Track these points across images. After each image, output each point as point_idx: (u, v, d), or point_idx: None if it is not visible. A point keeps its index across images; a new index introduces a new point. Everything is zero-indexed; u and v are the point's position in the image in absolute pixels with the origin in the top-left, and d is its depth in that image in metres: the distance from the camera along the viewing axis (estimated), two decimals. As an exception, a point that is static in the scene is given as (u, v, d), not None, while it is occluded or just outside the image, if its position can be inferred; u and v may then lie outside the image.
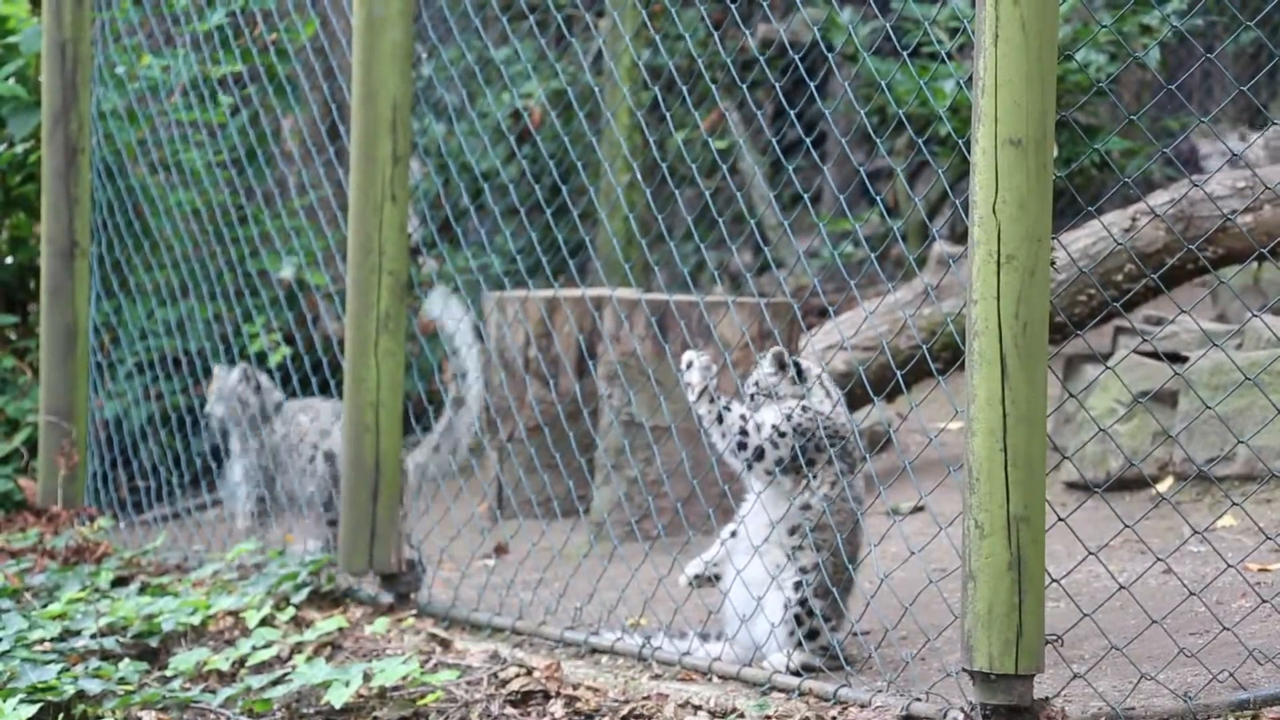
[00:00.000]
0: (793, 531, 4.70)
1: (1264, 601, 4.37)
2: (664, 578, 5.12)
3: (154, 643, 5.70)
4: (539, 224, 8.34)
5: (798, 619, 4.65)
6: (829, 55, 4.73)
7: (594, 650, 5.11)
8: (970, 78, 3.91)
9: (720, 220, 5.20)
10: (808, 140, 4.56)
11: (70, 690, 5.22)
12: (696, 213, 8.91)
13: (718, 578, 4.86)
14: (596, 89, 5.87)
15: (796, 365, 4.80)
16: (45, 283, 7.36)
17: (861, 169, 4.81)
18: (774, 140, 4.59)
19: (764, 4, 5.06)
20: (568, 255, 6.03)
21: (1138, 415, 6.42)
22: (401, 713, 4.90)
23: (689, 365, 4.83)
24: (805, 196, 4.62)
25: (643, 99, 8.50)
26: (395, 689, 4.96)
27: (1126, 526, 4.28)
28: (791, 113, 4.59)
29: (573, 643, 5.18)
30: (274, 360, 7.58)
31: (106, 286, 7.70)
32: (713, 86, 5.50)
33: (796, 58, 4.74)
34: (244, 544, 6.33)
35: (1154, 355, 6.47)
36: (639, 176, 8.53)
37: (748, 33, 4.74)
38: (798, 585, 4.67)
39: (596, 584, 5.45)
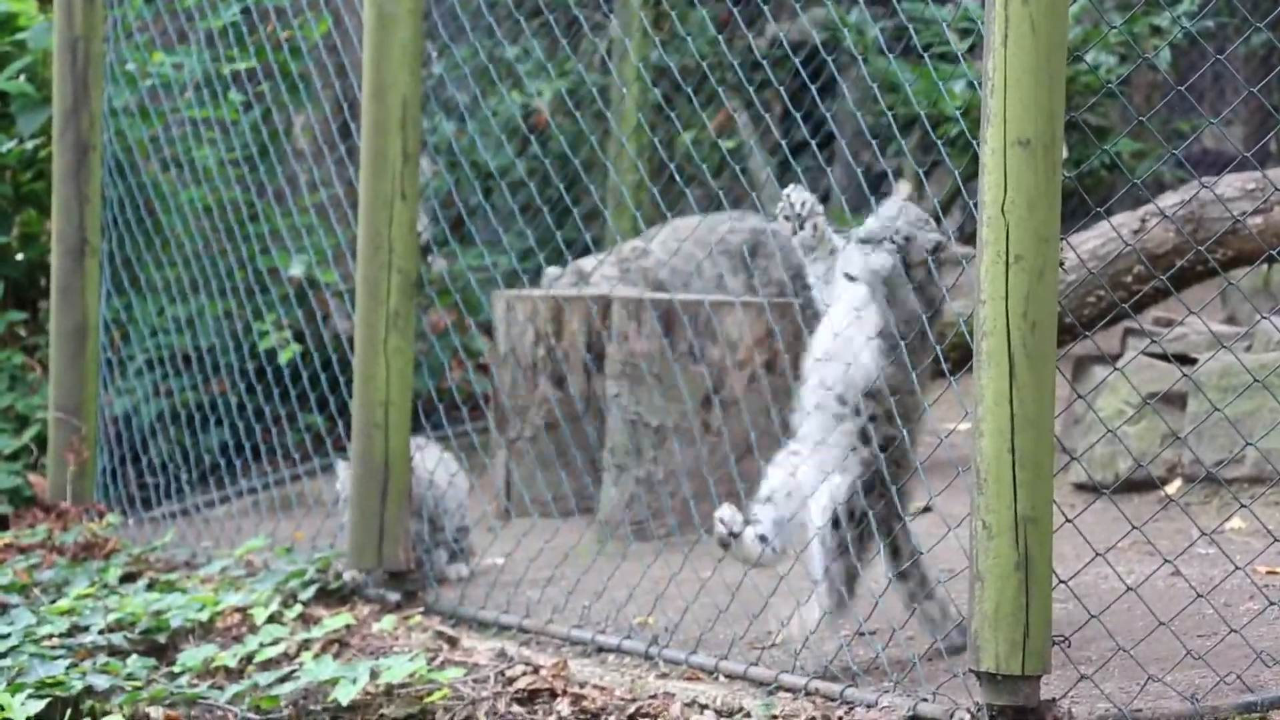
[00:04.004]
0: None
1: (1272, 604, 4.37)
2: (676, 575, 5.12)
3: (162, 639, 5.71)
4: (542, 224, 8.34)
5: (835, 520, 4.57)
6: (828, 58, 4.72)
7: (601, 649, 5.11)
8: (980, 78, 3.92)
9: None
10: (813, 141, 4.56)
11: (78, 686, 5.23)
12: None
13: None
14: (594, 90, 5.87)
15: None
16: (55, 280, 7.37)
17: (880, 164, 4.80)
18: (783, 141, 4.60)
19: (765, 6, 5.06)
20: (587, 245, 5.98)
21: (1146, 417, 6.41)
22: (408, 710, 4.90)
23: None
24: (814, 196, 4.62)
25: (650, 97, 8.49)
26: (402, 686, 4.96)
27: (1134, 528, 4.27)
28: (797, 114, 4.60)
29: (580, 641, 5.18)
30: (284, 358, 7.58)
31: (116, 283, 7.70)
32: (719, 89, 5.50)
33: (798, 61, 4.74)
34: (253, 541, 6.34)
35: (1163, 357, 6.46)
36: (645, 176, 8.52)
37: (750, 36, 4.74)
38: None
39: (607, 583, 5.45)
